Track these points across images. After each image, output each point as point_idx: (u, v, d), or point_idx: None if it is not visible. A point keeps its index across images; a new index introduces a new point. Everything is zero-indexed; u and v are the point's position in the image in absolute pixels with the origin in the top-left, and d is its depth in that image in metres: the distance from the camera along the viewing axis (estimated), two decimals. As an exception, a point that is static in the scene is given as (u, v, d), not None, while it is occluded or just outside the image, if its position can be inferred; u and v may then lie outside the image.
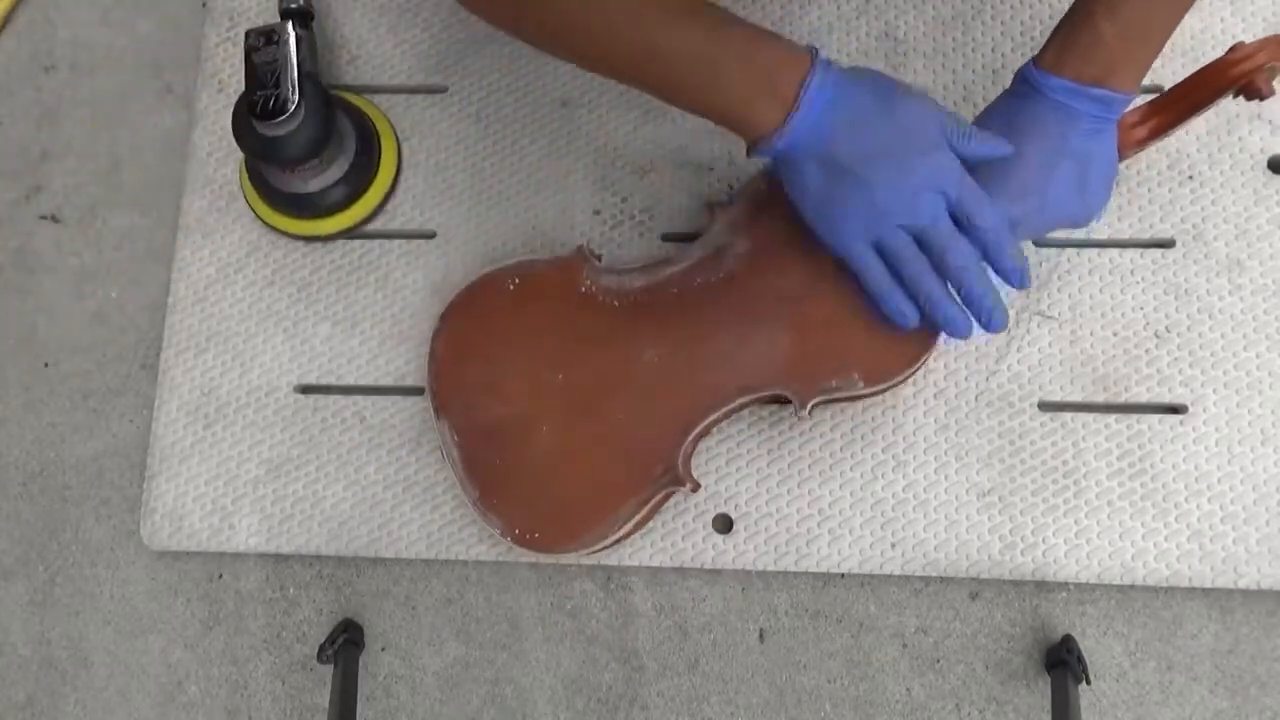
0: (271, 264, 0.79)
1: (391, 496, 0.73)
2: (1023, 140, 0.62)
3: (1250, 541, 0.68)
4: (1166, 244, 0.73)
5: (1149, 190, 0.74)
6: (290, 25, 0.71)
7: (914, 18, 0.79)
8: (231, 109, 0.73)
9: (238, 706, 0.74)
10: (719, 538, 0.71)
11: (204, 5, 0.86)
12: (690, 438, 0.67)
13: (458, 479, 0.69)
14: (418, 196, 0.79)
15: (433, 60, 0.82)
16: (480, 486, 0.68)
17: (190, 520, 0.74)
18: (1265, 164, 0.74)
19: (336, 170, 0.75)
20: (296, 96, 0.69)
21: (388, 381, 0.75)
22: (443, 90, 0.81)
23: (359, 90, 0.81)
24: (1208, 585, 0.68)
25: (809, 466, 0.71)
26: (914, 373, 0.67)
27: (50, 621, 0.77)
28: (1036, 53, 0.63)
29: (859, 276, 0.62)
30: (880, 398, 0.71)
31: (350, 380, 0.76)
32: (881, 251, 0.61)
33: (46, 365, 0.81)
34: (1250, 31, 0.76)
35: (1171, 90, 0.66)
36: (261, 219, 0.78)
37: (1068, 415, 0.71)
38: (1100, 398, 0.71)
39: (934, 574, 0.69)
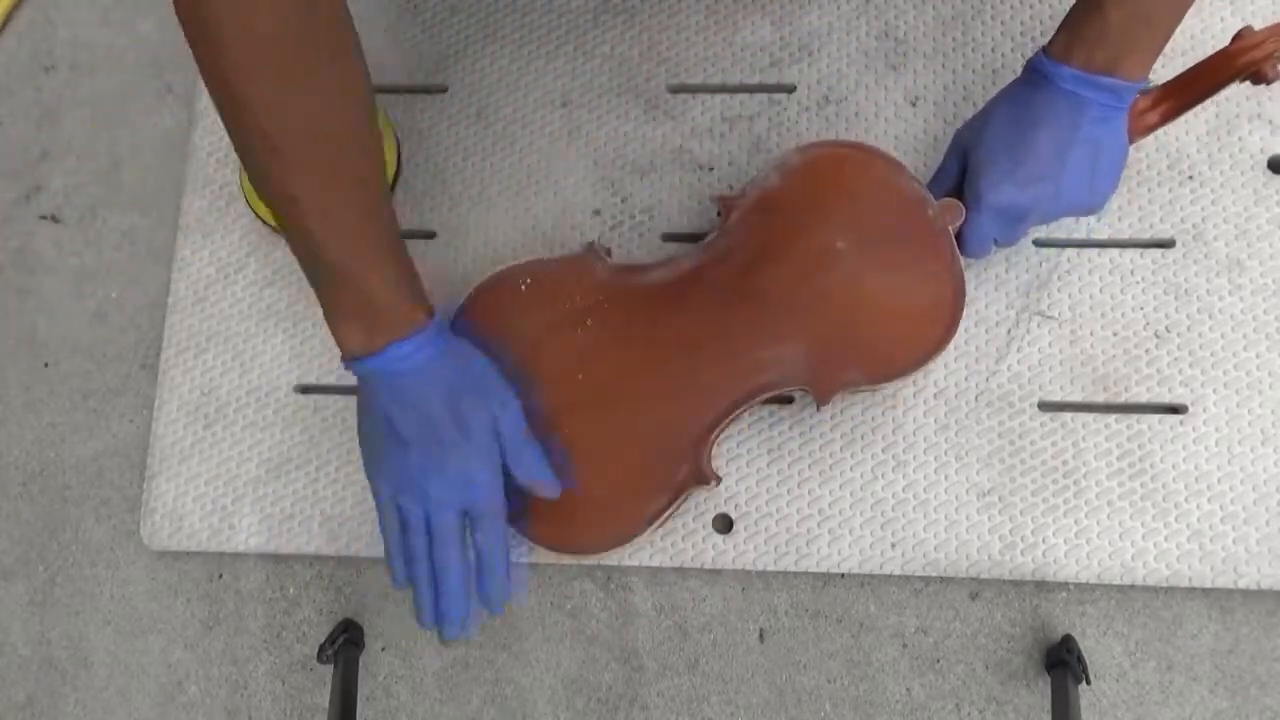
0: (271, 264, 0.79)
1: (391, 496, 0.73)
2: (1035, 129, 0.63)
3: (1250, 541, 0.68)
4: (1166, 244, 0.74)
5: (1149, 190, 0.74)
6: (290, 25, 0.71)
7: (914, 18, 0.79)
8: (231, 109, 0.73)
9: (238, 706, 0.74)
10: (719, 538, 0.71)
11: (204, 5, 0.86)
12: (713, 435, 0.67)
13: None
14: (418, 196, 0.79)
15: (433, 60, 0.82)
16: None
17: (190, 520, 0.74)
18: (1265, 164, 0.74)
19: (336, 170, 0.75)
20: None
21: (388, 381, 0.75)
22: (443, 90, 0.81)
23: (359, 90, 0.81)
24: (1208, 585, 0.68)
25: (809, 466, 0.71)
26: (934, 362, 0.67)
27: (50, 621, 0.77)
28: (1047, 42, 0.63)
29: (379, 518, 0.63)
30: (881, 397, 0.71)
31: (350, 380, 0.75)
32: (399, 512, 0.62)
33: (46, 365, 0.81)
34: (1242, 25, 0.76)
35: (1181, 76, 0.66)
36: (261, 219, 0.78)
37: (1068, 415, 0.71)
38: (1100, 398, 0.71)
39: (934, 574, 0.69)
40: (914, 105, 0.77)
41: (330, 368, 0.76)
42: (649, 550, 0.70)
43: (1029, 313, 0.73)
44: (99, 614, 0.76)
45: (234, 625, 0.75)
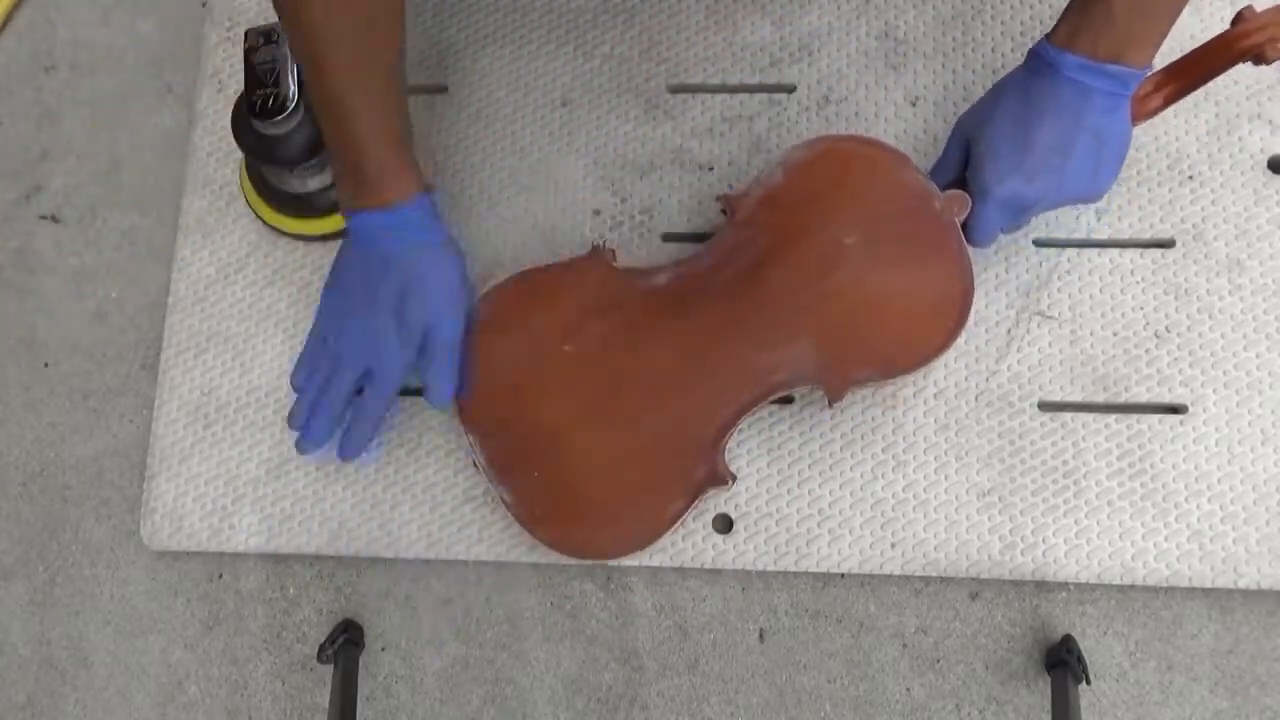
0: (271, 264, 0.79)
1: (391, 496, 0.73)
2: (1039, 118, 0.63)
3: (1250, 541, 0.68)
4: (1166, 244, 0.73)
5: (1149, 190, 0.74)
6: (290, 25, 0.72)
7: (914, 18, 0.79)
8: (231, 109, 0.73)
9: (238, 706, 0.74)
10: (719, 538, 0.71)
11: (204, 5, 0.86)
12: (727, 436, 0.67)
13: (497, 494, 0.68)
14: (418, 196, 0.79)
15: (433, 60, 0.82)
16: (522, 502, 0.68)
17: (190, 520, 0.74)
18: (1265, 164, 0.74)
19: (336, 170, 0.75)
20: (296, 95, 0.69)
21: (388, 381, 0.75)
22: (443, 90, 0.81)
23: (359, 90, 0.81)
24: (1208, 585, 0.68)
25: (809, 466, 0.71)
26: (943, 354, 0.67)
27: (50, 621, 0.77)
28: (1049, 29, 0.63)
29: (308, 339, 0.72)
30: (881, 397, 0.71)
31: (350, 380, 0.76)
32: (324, 338, 0.70)
33: (46, 365, 0.81)
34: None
35: (1183, 59, 0.66)
36: (261, 219, 0.78)
37: (1068, 415, 0.71)
38: (1100, 398, 0.71)
39: (934, 574, 0.69)
40: (914, 105, 0.77)
41: (330, 368, 0.76)
42: (649, 550, 0.70)
43: (1029, 313, 0.73)
44: (99, 614, 0.76)
45: (234, 625, 0.75)
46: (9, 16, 0.89)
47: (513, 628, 0.73)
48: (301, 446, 0.70)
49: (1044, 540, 0.69)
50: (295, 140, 0.70)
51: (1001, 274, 0.73)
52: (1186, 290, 0.72)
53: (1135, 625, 0.70)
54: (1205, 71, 0.65)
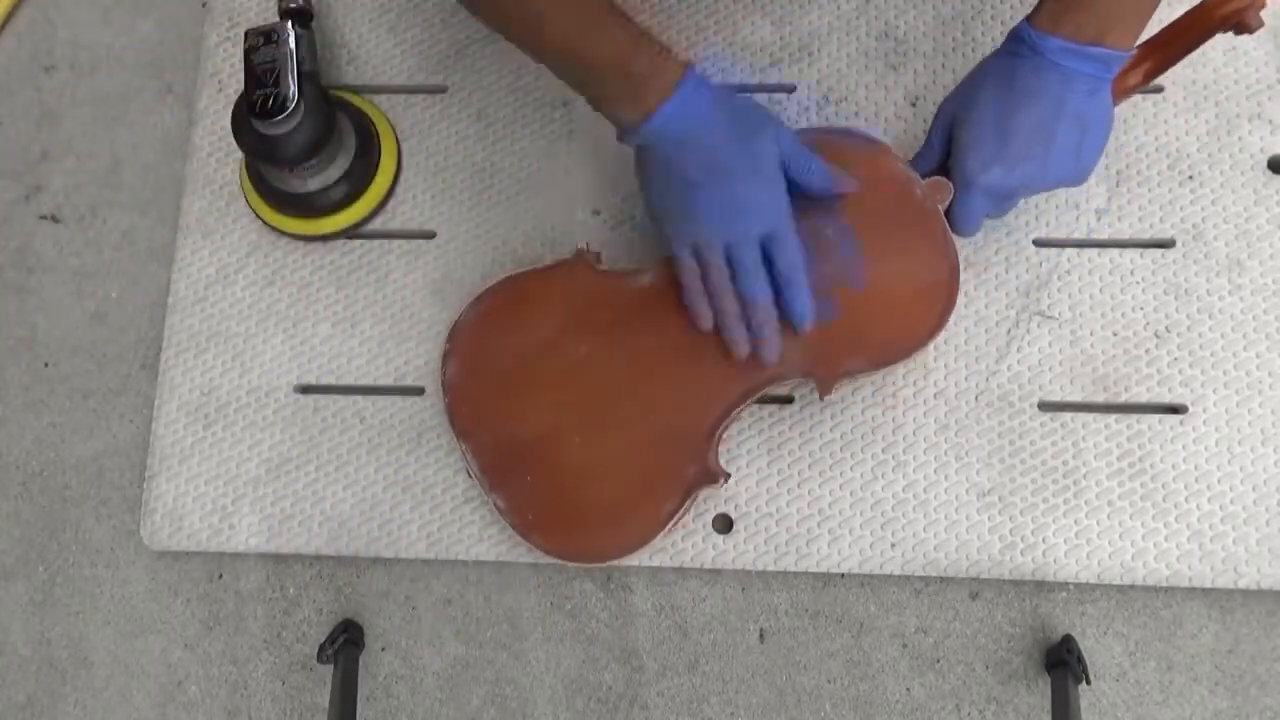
0: (271, 264, 0.79)
1: (391, 496, 0.73)
2: (1021, 105, 0.62)
3: (1250, 541, 0.68)
4: (1166, 244, 0.73)
5: (1149, 190, 0.74)
6: (290, 25, 0.71)
7: (914, 18, 0.79)
8: (231, 109, 0.73)
9: (238, 706, 0.74)
10: (719, 538, 0.71)
11: (204, 5, 0.86)
12: (718, 433, 0.67)
13: (490, 500, 0.69)
14: (418, 196, 0.79)
15: (433, 60, 0.82)
16: (516, 508, 0.68)
17: (190, 520, 0.74)
18: (1265, 164, 0.74)
19: (336, 170, 0.75)
20: (296, 95, 0.69)
21: (388, 381, 0.75)
22: (443, 90, 0.81)
23: (359, 90, 0.81)
24: (1208, 585, 0.68)
25: (809, 466, 0.71)
26: (932, 341, 0.67)
27: (50, 621, 0.77)
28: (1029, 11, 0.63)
29: (675, 271, 0.66)
30: (881, 397, 0.71)
31: (350, 380, 0.76)
32: (697, 256, 0.65)
33: (46, 365, 0.81)
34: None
35: (1161, 33, 0.66)
36: (261, 219, 0.78)
37: (1068, 415, 0.71)
38: (1100, 398, 0.71)
39: (934, 574, 0.69)
40: (914, 105, 0.77)
41: (330, 368, 0.76)
42: (648, 550, 0.70)
43: (1029, 313, 0.73)
44: (99, 614, 0.76)
45: (234, 625, 0.75)
46: (9, 16, 0.89)
47: (513, 628, 0.73)
48: (769, 357, 0.65)
49: (1044, 540, 0.69)
50: (295, 140, 0.70)
51: (1001, 274, 0.73)
52: (1186, 290, 0.72)
53: (1135, 625, 0.70)
54: (1185, 44, 0.65)
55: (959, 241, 0.68)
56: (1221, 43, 0.76)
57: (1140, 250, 0.73)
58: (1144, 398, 0.71)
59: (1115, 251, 0.74)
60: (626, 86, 0.62)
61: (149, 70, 0.87)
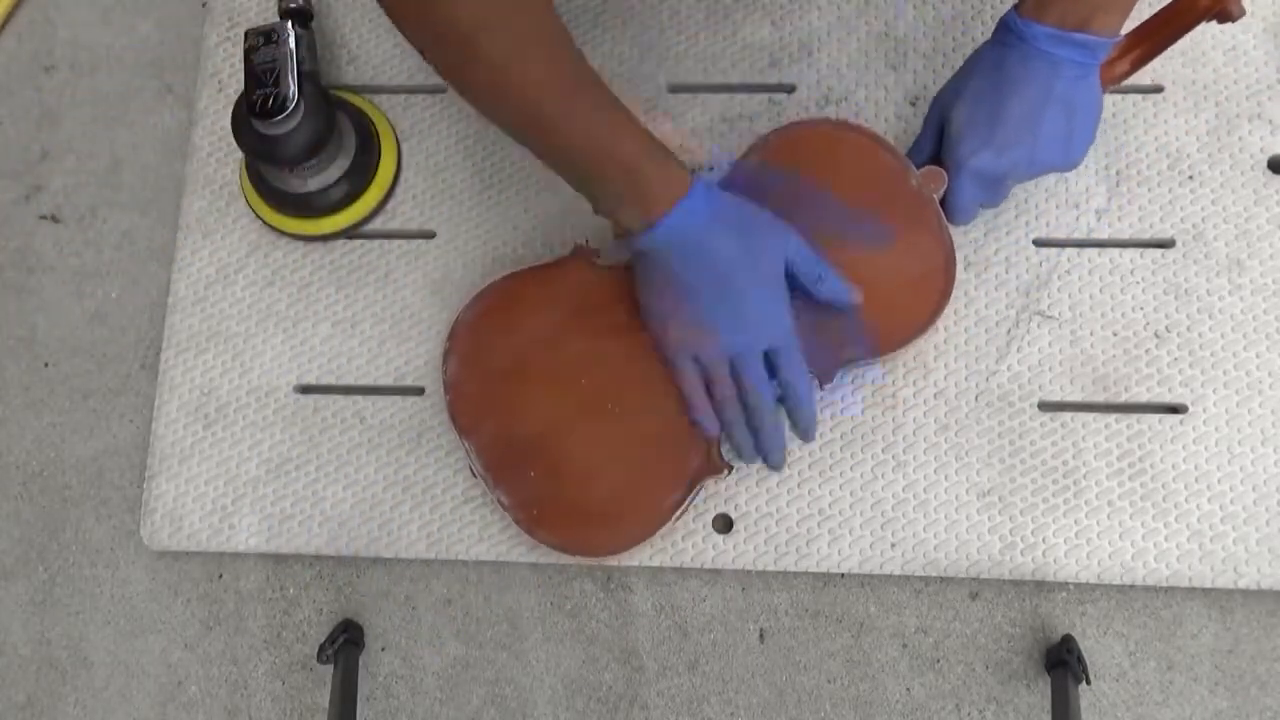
0: (271, 264, 0.79)
1: (391, 496, 0.73)
2: (1009, 92, 0.63)
3: (1250, 541, 0.68)
4: (1166, 244, 0.73)
5: (1149, 190, 0.74)
6: (290, 25, 0.72)
7: (914, 18, 0.79)
8: (231, 109, 0.73)
9: (238, 706, 0.74)
10: (719, 538, 0.71)
11: (204, 5, 0.86)
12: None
13: (494, 497, 0.69)
14: (418, 196, 0.79)
15: (433, 60, 0.82)
16: (520, 504, 0.68)
17: (190, 520, 0.74)
18: (1265, 164, 0.74)
19: (336, 170, 0.75)
20: (296, 95, 0.69)
21: (388, 381, 0.75)
22: (443, 90, 0.81)
23: (359, 90, 0.81)
24: (1208, 585, 0.68)
25: (809, 466, 0.71)
26: (930, 327, 0.68)
27: (50, 621, 0.77)
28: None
29: (677, 380, 0.66)
30: (881, 398, 0.71)
31: (350, 380, 0.76)
32: (700, 365, 0.65)
33: (46, 365, 0.81)
34: (1242, 25, 0.76)
35: (1147, 22, 0.66)
36: (261, 219, 0.78)
37: (1068, 415, 0.71)
38: (1100, 398, 0.71)
39: (934, 574, 0.69)
40: (914, 105, 0.77)
41: (330, 368, 0.76)
42: (649, 550, 0.70)
43: (1029, 313, 0.73)
44: (99, 614, 0.76)
45: (234, 625, 0.75)
46: (9, 16, 0.89)
47: (513, 628, 0.73)
48: (776, 464, 0.68)
49: (1044, 540, 0.69)
50: (295, 140, 0.71)
51: (1001, 274, 0.73)
52: (1186, 290, 0.72)
53: (1135, 625, 0.70)
54: (1171, 32, 0.65)
55: (960, 242, 0.68)
56: (1221, 42, 0.76)
57: (1140, 250, 0.73)
58: (1144, 398, 0.71)
59: (1115, 251, 0.74)
60: (632, 195, 0.61)
61: (149, 70, 0.87)
